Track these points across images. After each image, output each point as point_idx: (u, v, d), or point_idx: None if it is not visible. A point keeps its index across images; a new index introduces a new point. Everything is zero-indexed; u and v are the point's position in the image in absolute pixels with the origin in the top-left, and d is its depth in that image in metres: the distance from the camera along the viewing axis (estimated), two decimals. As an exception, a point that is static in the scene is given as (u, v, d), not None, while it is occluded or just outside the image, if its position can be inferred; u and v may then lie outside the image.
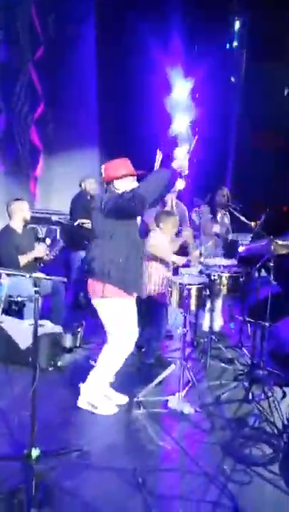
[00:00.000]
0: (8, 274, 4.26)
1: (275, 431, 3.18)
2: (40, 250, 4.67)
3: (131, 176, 3.40)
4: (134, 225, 3.43)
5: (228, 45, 9.79)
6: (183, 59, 8.95)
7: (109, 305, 3.36)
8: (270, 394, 3.53)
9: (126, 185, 3.37)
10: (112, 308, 3.36)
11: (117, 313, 3.37)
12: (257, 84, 8.65)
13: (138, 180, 3.51)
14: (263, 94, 8.50)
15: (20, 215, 4.70)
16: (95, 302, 3.41)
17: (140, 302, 4.31)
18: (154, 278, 4.06)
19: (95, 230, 3.42)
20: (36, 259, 4.69)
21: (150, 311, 4.11)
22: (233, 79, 9.22)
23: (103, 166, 3.46)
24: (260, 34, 8.60)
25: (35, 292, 2.57)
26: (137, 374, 4.03)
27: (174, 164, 3.33)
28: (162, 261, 4.09)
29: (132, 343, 3.46)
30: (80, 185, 6.17)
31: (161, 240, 4.11)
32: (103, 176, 3.44)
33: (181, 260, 4.29)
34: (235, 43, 9.58)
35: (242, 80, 9.15)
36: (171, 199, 5.00)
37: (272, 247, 3.66)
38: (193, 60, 8.98)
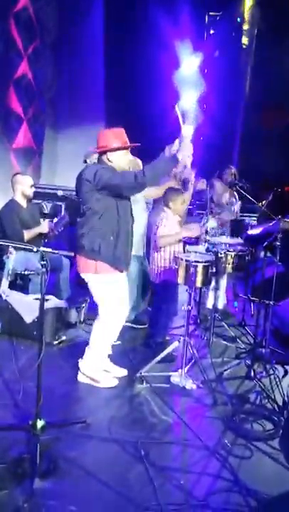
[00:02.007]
0: (15, 248, 4.26)
1: (276, 407, 3.22)
2: (44, 226, 4.67)
3: (125, 149, 3.33)
4: (125, 201, 3.36)
5: (238, 20, 9.55)
6: (192, 34, 8.76)
7: (102, 280, 3.35)
8: (271, 372, 3.57)
9: (119, 158, 3.29)
10: (104, 284, 3.36)
11: (109, 288, 3.37)
12: (267, 60, 8.47)
13: (131, 152, 3.46)
14: (274, 70, 8.33)
15: (19, 188, 4.67)
16: (87, 277, 3.39)
17: (148, 283, 4.34)
18: (165, 256, 4.02)
19: (85, 203, 3.30)
20: (41, 233, 4.69)
21: (163, 290, 4.10)
22: (245, 43, 8.95)
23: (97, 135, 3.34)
24: (271, 9, 8.38)
25: (43, 266, 2.57)
26: (144, 351, 4.07)
27: (179, 153, 3.25)
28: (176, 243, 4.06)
29: (123, 317, 3.49)
30: (85, 161, 6.11)
31: (173, 225, 4.05)
32: (98, 144, 3.32)
33: (193, 231, 4.24)
34: (246, 19, 9.35)
35: (252, 55, 8.96)
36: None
37: (282, 225, 3.65)
38: (203, 35, 8.80)
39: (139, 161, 4.20)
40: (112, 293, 3.39)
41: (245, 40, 9.03)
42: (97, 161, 3.49)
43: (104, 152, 3.30)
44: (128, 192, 3.25)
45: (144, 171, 3.16)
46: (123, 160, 3.34)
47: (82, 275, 3.43)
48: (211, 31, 9.43)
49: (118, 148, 3.29)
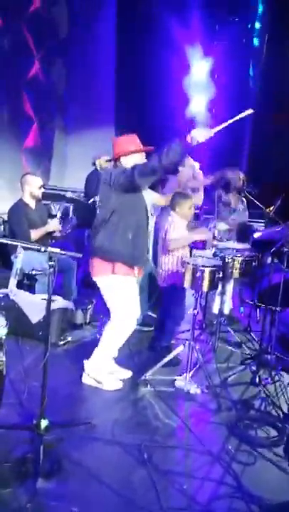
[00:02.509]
0: (23, 248, 4.28)
1: (281, 414, 3.21)
2: (53, 225, 4.69)
3: (139, 152, 3.37)
4: (142, 201, 3.41)
5: (249, 25, 9.56)
6: (202, 38, 8.78)
7: (117, 282, 3.37)
8: (277, 378, 3.55)
9: (134, 162, 3.32)
10: (120, 285, 3.38)
11: (123, 290, 3.39)
12: (278, 64, 8.45)
13: (146, 157, 3.48)
14: (285, 73, 8.30)
15: (27, 189, 4.70)
16: (102, 279, 3.41)
17: (155, 285, 4.34)
18: (173, 260, 4.03)
19: (102, 206, 3.37)
20: (48, 234, 4.71)
21: (169, 293, 4.09)
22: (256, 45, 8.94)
23: (112, 142, 3.42)
24: (282, 12, 8.36)
25: (50, 266, 2.58)
26: (149, 354, 4.07)
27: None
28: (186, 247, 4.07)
29: (134, 321, 3.50)
30: (94, 164, 6.14)
31: (180, 229, 4.06)
32: (114, 151, 3.40)
33: (204, 235, 4.25)
34: (257, 23, 9.35)
35: (263, 59, 8.95)
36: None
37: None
38: (213, 39, 8.80)
39: None
40: (126, 296, 3.41)
41: (256, 42, 9.03)
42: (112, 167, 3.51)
43: (119, 157, 3.35)
44: (145, 180, 3.23)
45: (157, 156, 3.13)
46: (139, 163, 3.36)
47: (97, 279, 3.43)
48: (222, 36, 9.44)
49: (133, 152, 3.34)
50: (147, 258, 3.56)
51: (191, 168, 5.01)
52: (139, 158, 3.36)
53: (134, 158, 3.34)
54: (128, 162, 3.33)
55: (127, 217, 3.32)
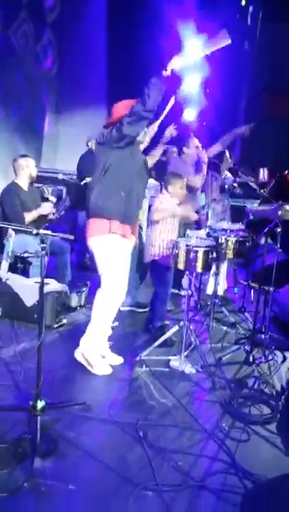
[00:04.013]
0: (15, 230, 4.26)
1: (274, 392, 3.25)
2: (46, 207, 4.66)
3: None
4: (136, 160, 3.41)
5: (243, 2, 9.39)
6: (195, 17, 8.61)
7: (112, 242, 3.36)
8: (270, 357, 3.59)
9: None
10: (114, 246, 3.37)
11: (116, 252, 3.39)
12: (272, 43, 8.34)
13: None
14: (277, 56, 8.21)
15: (26, 171, 4.66)
16: (97, 239, 3.39)
17: (146, 265, 4.35)
18: (158, 242, 4.04)
19: (97, 167, 3.37)
20: (42, 216, 4.68)
21: (155, 273, 4.14)
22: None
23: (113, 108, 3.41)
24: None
25: (42, 249, 2.57)
26: (144, 335, 4.10)
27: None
28: (166, 224, 4.06)
29: (124, 290, 3.49)
30: (88, 145, 6.09)
31: (167, 202, 4.06)
32: (111, 117, 3.38)
33: (186, 211, 4.26)
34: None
35: (256, 41, 8.82)
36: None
37: (281, 213, 3.63)
38: (206, 17, 8.64)
39: None
40: (118, 259, 3.40)
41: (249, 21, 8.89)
42: None
43: (121, 118, 3.30)
44: (134, 127, 3.24)
45: (140, 100, 3.18)
46: None
47: (92, 239, 3.40)
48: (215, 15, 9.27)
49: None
50: (138, 219, 3.56)
51: (196, 149, 4.99)
52: None
53: None
54: None
55: (120, 175, 3.32)
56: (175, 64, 3.20)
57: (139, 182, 3.47)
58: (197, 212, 4.65)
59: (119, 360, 3.62)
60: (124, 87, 8.60)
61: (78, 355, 3.51)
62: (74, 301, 4.51)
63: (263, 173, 5.33)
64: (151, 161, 4.29)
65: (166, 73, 3.19)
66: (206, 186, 5.20)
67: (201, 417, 2.99)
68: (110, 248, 3.38)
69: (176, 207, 4.07)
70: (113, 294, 3.43)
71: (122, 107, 3.36)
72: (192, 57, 3.23)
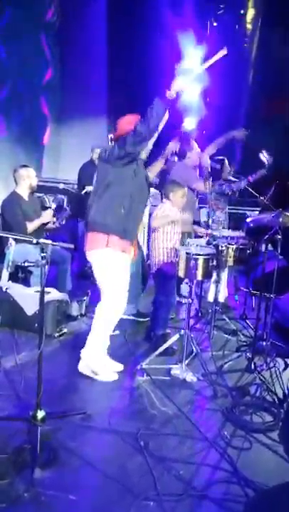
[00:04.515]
0: (15, 240, 4.28)
1: (276, 400, 3.23)
2: (48, 215, 4.68)
3: None
4: (138, 176, 3.40)
5: (241, 11, 9.47)
6: (195, 25, 8.69)
7: (111, 256, 3.37)
8: (272, 365, 3.58)
9: None
10: (112, 260, 3.38)
11: (116, 266, 3.39)
12: (270, 52, 8.39)
13: None
14: (277, 61, 8.25)
15: (27, 181, 4.69)
16: (96, 253, 3.40)
17: (149, 273, 4.36)
18: (161, 249, 4.05)
19: (97, 182, 3.41)
20: (43, 226, 4.70)
21: (158, 282, 4.12)
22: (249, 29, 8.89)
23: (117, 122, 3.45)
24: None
25: (43, 258, 2.58)
26: (145, 343, 4.09)
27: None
28: (168, 233, 4.07)
29: (124, 301, 3.49)
30: (92, 153, 6.18)
31: (169, 211, 4.07)
32: (115, 132, 3.41)
33: (186, 217, 4.28)
34: (249, 9, 9.27)
35: (255, 46, 8.88)
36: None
37: (281, 220, 3.63)
38: (206, 25, 8.73)
39: None
40: (118, 273, 3.41)
41: (249, 27, 8.94)
42: None
43: (124, 134, 3.33)
44: (136, 147, 3.26)
45: (143, 120, 3.21)
46: None
47: (91, 253, 3.42)
48: (214, 23, 9.36)
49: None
50: (137, 236, 3.56)
51: (197, 154, 5.03)
52: None
53: None
54: None
55: (121, 193, 3.33)
56: (178, 85, 3.21)
57: (140, 199, 3.47)
58: (198, 223, 4.68)
59: (119, 367, 3.62)
60: (126, 97, 8.69)
61: (82, 367, 3.51)
62: (74, 310, 4.51)
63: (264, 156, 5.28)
64: (151, 174, 4.33)
65: (171, 95, 3.19)
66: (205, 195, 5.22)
67: (202, 425, 2.97)
68: (109, 262, 3.39)
69: (176, 214, 4.08)
70: (113, 306, 3.45)
71: (125, 123, 3.39)
72: (193, 72, 3.25)
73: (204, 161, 5.02)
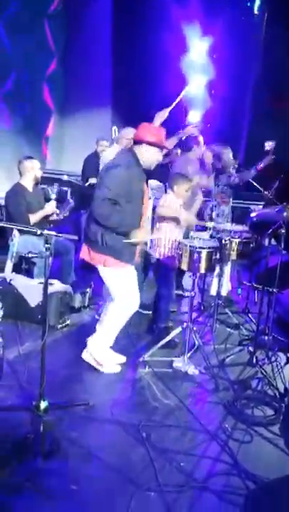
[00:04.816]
0: (19, 231, 4.28)
1: (277, 394, 3.25)
2: (50, 207, 4.68)
3: (159, 147, 3.35)
4: (136, 195, 3.31)
5: (248, 3, 9.39)
6: (201, 17, 8.62)
7: (111, 273, 3.39)
8: (273, 359, 3.59)
9: (151, 153, 3.32)
10: (114, 276, 3.39)
11: (118, 279, 3.40)
12: (277, 45, 8.32)
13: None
14: (283, 55, 8.18)
15: (31, 173, 4.69)
16: (98, 267, 3.43)
17: (150, 266, 4.36)
18: (164, 242, 4.06)
19: (99, 188, 3.32)
20: (46, 217, 4.70)
21: (159, 274, 4.14)
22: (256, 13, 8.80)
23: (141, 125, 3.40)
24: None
25: (46, 249, 2.58)
26: (147, 336, 4.10)
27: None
28: (172, 223, 4.07)
29: (135, 302, 3.49)
30: (96, 145, 6.20)
31: (172, 202, 4.07)
32: (135, 135, 3.38)
33: (190, 218, 4.27)
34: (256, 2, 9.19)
35: (262, 40, 8.80)
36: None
37: (285, 214, 3.62)
38: (212, 18, 8.64)
39: None
40: (123, 282, 3.42)
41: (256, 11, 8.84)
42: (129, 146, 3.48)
43: (140, 142, 3.31)
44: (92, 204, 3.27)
45: (109, 217, 3.20)
46: (154, 157, 3.35)
47: (93, 263, 3.45)
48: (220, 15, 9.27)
49: (148, 143, 3.29)
50: (136, 253, 3.51)
51: (201, 148, 5.03)
52: (154, 152, 3.33)
53: (148, 149, 3.31)
54: (141, 151, 3.31)
55: (120, 210, 3.24)
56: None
57: (137, 217, 3.37)
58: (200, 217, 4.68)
59: (122, 359, 3.64)
60: (129, 89, 8.65)
61: (86, 355, 3.53)
62: (78, 301, 4.52)
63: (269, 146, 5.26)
64: (169, 145, 4.30)
65: None
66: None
67: (203, 418, 2.99)
68: (110, 277, 3.41)
69: (180, 211, 4.06)
70: (124, 306, 3.45)
71: (145, 131, 3.32)
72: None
73: (207, 156, 5.01)
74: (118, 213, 3.22)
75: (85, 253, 3.43)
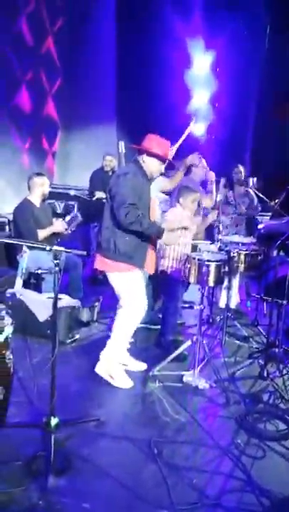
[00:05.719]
0: (29, 247, 4.30)
1: (290, 407, 3.21)
2: (59, 225, 4.71)
3: (162, 159, 3.43)
4: (145, 201, 3.40)
5: (251, 18, 9.46)
6: (204, 32, 8.72)
7: (121, 278, 3.44)
8: (285, 371, 3.56)
9: (154, 164, 3.41)
10: (123, 281, 3.45)
11: (128, 284, 3.46)
12: (280, 58, 8.38)
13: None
14: (286, 68, 8.23)
15: (40, 189, 4.72)
16: (108, 274, 3.50)
17: (156, 278, 4.35)
18: (171, 254, 4.06)
19: (106, 206, 3.47)
20: (54, 233, 4.72)
21: (165, 287, 4.13)
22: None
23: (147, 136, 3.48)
24: (284, 2, 8.27)
25: (56, 265, 2.59)
26: (156, 350, 4.08)
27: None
28: (180, 235, 4.07)
29: (143, 308, 3.52)
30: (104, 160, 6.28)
31: (178, 216, 4.08)
32: (142, 144, 3.45)
33: (196, 222, 4.28)
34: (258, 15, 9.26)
35: (264, 53, 8.87)
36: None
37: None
38: (215, 32, 8.74)
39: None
40: (132, 288, 3.46)
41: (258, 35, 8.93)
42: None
43: (144, 152, 3.41)
44: (117, 215, 3.30)
45: (140, 221, 3.24)
46: (156, 168, 3.46)
47: (102, 270, 3.54)
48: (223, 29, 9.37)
49: (153, 154, 3.39)
50: (146, 258, 3.56)
51: (204, 169, 5.05)
52: (156, 165, 3.42)
53: (152, 161, 3.41)
54: (145, 160, 3.41)
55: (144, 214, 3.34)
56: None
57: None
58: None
59: (142, 366, 3.66)
60: (133, 104, 8.73)
61: (99, 369, 3.53)
62: (86, 316, 4.52)
63: (253, 182, 5.33)
64: (171, 185, 4.38)
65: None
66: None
67: (215, 433, 2.96)
68: (120, 283, 3.46)
69: (184, 218, 4.07)
70: (132, 313, 3.49)
71: (154, 143, 3.41)
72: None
73: (210, 177, 5.06)
74: (144, 216, 3.29)
75: (98, 262, 3.50)
